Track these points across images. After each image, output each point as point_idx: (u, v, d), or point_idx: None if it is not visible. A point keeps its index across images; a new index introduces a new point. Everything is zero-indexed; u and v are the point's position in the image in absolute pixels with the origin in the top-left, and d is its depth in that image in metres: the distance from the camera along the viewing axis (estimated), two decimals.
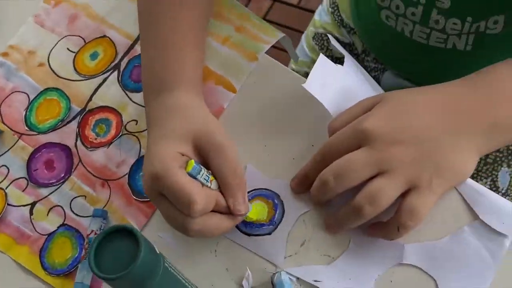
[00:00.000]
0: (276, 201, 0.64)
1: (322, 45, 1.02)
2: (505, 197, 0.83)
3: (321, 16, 1.03)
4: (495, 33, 0.73)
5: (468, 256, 0.58)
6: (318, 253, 0.61)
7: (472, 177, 0.78)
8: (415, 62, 0.86)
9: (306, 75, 0.98)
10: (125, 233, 0.52)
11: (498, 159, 0.83)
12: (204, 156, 0.59)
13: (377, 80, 0.96)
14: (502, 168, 0.83)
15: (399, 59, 0.89)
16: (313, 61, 1.01)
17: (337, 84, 0.64)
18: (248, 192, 0.63)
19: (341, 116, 0.61)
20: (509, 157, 0.83)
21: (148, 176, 0.57)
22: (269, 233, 0.62)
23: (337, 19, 1.00)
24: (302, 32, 1.09)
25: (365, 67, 0.98)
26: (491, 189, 0.82)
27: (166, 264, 0.55)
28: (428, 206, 0.56)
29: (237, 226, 0.63)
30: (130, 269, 0.50)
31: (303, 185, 0.62)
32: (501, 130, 0.58)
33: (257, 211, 0.63)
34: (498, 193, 0.82)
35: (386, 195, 0.55)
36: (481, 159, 0.83)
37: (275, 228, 0.63)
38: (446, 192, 0.58)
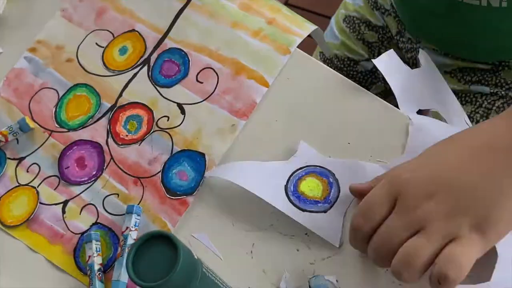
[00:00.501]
0: (331, 179, 0.62)
1: (354, 28, 1.00)
2: None
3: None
4: None
5: None
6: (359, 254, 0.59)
7: None
8: (450, 27, 0.84)
9: (335, 57, 0.96)
10: (163, 239, 0.51)
11: None
12: None
13: (413, 60, 0.94)
14: None
15: (434, 27, 0.87)
16: (343, 43, 0.99)
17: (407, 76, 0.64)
18: (301, 168, 0.62)
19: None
20: None
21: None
22: (324, 211, 0.60)
23: (370, 1, 0.98)
24: (326, 17, 1.07)
25: (400, 49, 0.96)
26: None
27: (204, 270, 0.54)
28: (469, 256, 0.49)
29: (291, 200, 0.61)
30: (170, 277, 0.49)
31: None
32: None
33: (311, 187, 0.61)
34: None
35: (421, 257, 0.49)
36: None
37: (331, 207, 0.61)
38: (494, 242, 0.51)
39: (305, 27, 0.71)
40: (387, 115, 0.65)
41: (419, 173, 0.52)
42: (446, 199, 0.50)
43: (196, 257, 0.53)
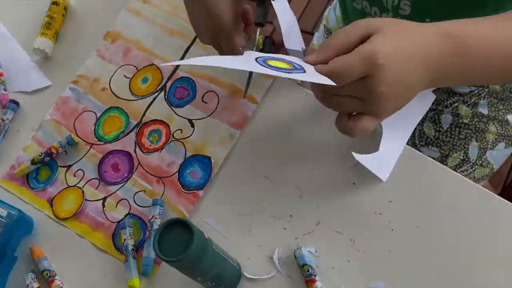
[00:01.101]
0: (296, 65, 0.53)
1: None
2: (475, 166, 0.81)
3: (319, 39, 1.01)
4: None
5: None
6: (332, 231, 0.60)
7: (449, 149, 0.77)
8: None
9: None
10: (181, 224, 0.51)
11: (468, 135, 0.81)
12: None
13: None
14: (472, 143, 0.81)
15: None
16: None
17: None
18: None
19: (339, 38, 0.52)
20: (477, 133, 0.81)
21: None
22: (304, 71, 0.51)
23: (346, 20, 0.96)
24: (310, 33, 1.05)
25: None
26: (463, 160, 0.81)
27: (213, 246, 0.54)
28: (371, 128, 0.52)
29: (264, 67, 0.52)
30: (187, 253, 0.49)
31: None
32: (443, 83, 0.56)
33: (278, 65, 0.52)
34: (469, 163, 0.81)
35: (345, 106, 0.52)
36: (454, 135, 0.81)
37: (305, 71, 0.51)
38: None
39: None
40: None
41: (390, 65, 0.49)
42: (395, 89, 0.50)
43: (207, 236, 0.53)
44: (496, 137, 0.82)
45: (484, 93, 0.81)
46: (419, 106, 0.63)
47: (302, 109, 0.67)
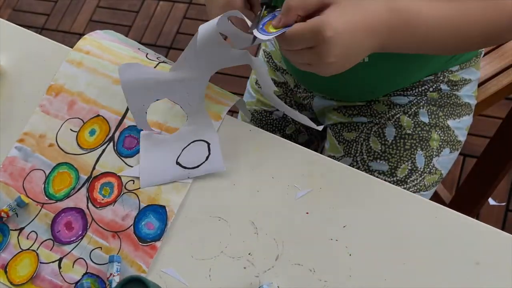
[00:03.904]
0: None
1: None
2: (424, 174, 0.87)
3: (262, 61, 1.04)
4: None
5: None
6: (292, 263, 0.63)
7: (396, 161, 0.84)
8: (329, 81, 0.86)
9: (255, 111, 0.99)
10: (137, 282, 0.53)
11: (413, 145, 0.86)
12: None
13: (310, 105, 0.98)
14: (418, 152, 0.86)
15: (317, 82, 0.91)
16: (258, 100, 1.02)
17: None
18: None
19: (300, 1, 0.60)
20: (421, 142, 0.86)
21: None
22: None
23: (271, 65, 1.02)
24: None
25: (299, 98, 1.00)
26: (412, 170, 0.86)
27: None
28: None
29: None
30: None
31: None
32: (390, 50, 0.65)
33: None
34: (418, 172, 0.87)
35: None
36: (399, 146, 0.87)
37: None
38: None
39: (231, 98, 0.75)
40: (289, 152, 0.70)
41: (339, 36, 0.58)
42: (342, 59, 0.61)
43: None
44: (440, 143, 0.87)
45: (423, 101, 0.87)
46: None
47: (248, 146, 0.71)
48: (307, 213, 0.65)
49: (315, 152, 0.68)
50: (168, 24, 2.01)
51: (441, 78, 0.87)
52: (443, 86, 0.88)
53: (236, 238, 0.66)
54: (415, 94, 0.87)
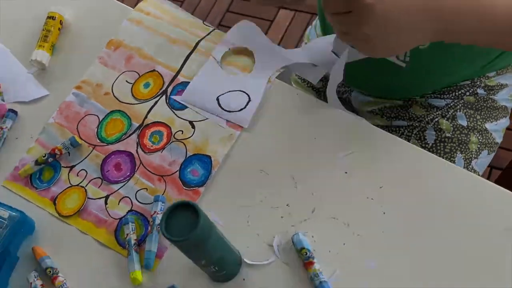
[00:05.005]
0: None
1: (304, 79, 1.08)
2: None
3: None
4: (424, 47, 0.79)
5: None
6: (328, 216, 0.67)
7: None
8: (369, 76, 0.92)
9: None
10: (186, 207, 0.58)
11: (453, 148, 0.89)
12: None
13: (348, 98, 1.02)
14: (457, 155, 0.89)
15: (358, 76, 0.94)
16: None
17: None
18: None
19: None
20: (461, 145, 0.89)
21: None
22: None
23: None
24: None
25: (337, 92, 1.03)
26: None
27: (217, 230, 0.61)
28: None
29: None
30: (194, 232, 0.56)
31: None
32: (450, 37, 0.62)
33: None
34: None
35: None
36: (440, 149, 0.89)
37: None
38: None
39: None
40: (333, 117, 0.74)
41: (381, 9, 0.55)
42: (378, 39, 0.59)
43: (211, 221, 0.60)
44: (479, 146, 0.90)
45: (460, 105, 0.89)
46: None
47: (294, 108, 0.76)
48: (345, 172, 0.69)
49: (358, 116, 0.73)
50: (210, 17, 2.08)
51: (478, 83, 0.90)
52: (480, 91, 0.90)
53: (276, 189, 0.71)
54: (452, 97, 0.90)
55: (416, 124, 0.92)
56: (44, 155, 0.79)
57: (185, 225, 0.57)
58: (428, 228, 0.65)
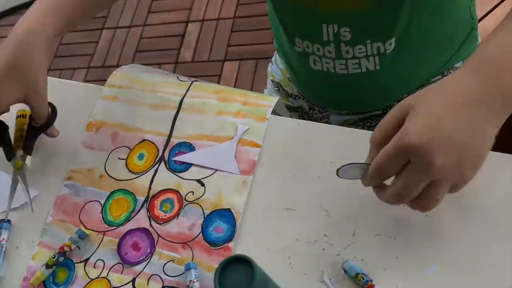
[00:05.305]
0: None
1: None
2: None
3: (270, 93, 1.10)
4: (391, 50, 0.82)
5: None
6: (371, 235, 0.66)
7: None
8: (344, 93, 0.93)
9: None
10: (237, 262, 0.55)
11: None
12: None
13: (327, 123, 1.03)
14: None
15: (332, 97, 0.96)
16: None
17: None
18: None
19: (380, 129, 0.58)
20: None
21: None
22: None
23: (282, 93, 1.07)
24: None
25: (315, 119, 1.05)
26: None
27: (271, 279, 0.58)
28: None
29: None
30: (253, 285, 0.53)
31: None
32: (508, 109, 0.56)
33: None
34: None
35: (437, 201, 0.56)
36: None
37: None
38: None
39: (270, 99, 0.80)
40: (341, 137, 0.74)
41: (428, 132, 0.53)
42: (452, 153, 0.53)
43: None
44: None
45: None
46: None
47: (299, 138, 0.75)
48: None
49: (367, 131, 0.72)
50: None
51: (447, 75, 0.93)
52: None
53: (309, 223, 0.68)
54: None
55: None
56: (53, 256, 0.73)
57: (239, 281, 0.55)
58: (472, 230, 0.64)
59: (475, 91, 0.55)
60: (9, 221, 0.79)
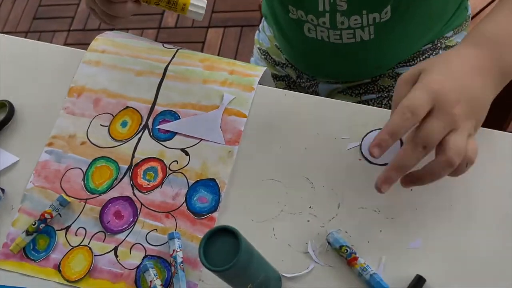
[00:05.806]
0: None
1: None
2: None
3: (257, 62, 1.09)
4: (386, 19, 0.82)
5: None
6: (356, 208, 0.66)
7: None
8: (337, 62, 0.93)
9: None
10: (221, 233, 0.55)
11: None
12: None
13: (315, 92, 1.02)
14: None
15: (325, 65, 0.96)
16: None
17: None
18: None
19: (395, 96, 0.60)
20: None
21: None
22: None
23: (270, 61, 1.06)
24: None
25: (303, 88, 1.04)
26: None
27: (256, 250, 0.58)
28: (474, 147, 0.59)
29: None
30: (238, 258, 0.52)
31: (388, 143, 0.58)
32: (508, 74, 0.62)
33: None
34: None
35: (463, 147, 0.56)
36: None
37: None
38: None
39: (258, 69, 0.78)
40: (328, 108, 0.73)
41: (445, 84, 0.57)
42: (468, 105, 0.58)
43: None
44: None
45: None
46: None
47: (286, 108, 0.74)
48: (359, 160, 0.68)
49: (356, 104, 0.72)
50: None
51: (438, 45, 0.94)
52: (442, 52, 0.94)
53: (294, 195, 0.68)
54: (417, 63, 0.93)
55: (385, 94, 0.94)
56: (33, 223, 0.72)
57: (224, 252, 0.54)
58: (461, 199, 0.64)
59: (476, 64, 0.60)
60: None
